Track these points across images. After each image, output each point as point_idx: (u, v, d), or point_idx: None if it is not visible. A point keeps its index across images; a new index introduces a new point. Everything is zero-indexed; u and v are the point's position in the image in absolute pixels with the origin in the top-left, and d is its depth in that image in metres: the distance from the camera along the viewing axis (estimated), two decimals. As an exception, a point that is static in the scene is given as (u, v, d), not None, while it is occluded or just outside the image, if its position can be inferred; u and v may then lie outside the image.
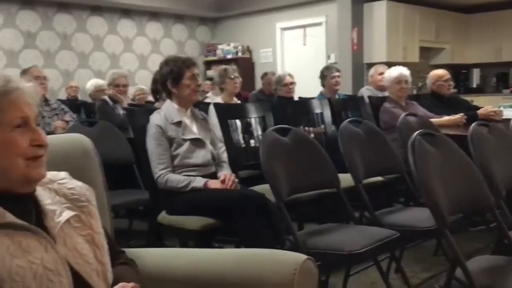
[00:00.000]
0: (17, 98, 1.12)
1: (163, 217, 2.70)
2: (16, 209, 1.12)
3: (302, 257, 1.37)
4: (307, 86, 6.55)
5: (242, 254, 1.45)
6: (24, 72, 4.23)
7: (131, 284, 1.08)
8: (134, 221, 4.00)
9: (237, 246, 3.07)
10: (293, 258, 1.37)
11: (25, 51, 7.58)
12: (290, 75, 4.94)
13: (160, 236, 2.92)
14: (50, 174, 1.24)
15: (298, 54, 8.91)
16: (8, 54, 7.42)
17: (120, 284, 1.08)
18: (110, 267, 1.25)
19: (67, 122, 4.32)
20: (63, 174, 1.30)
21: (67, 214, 1.21)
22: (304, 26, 8.77)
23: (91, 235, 1.24)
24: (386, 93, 4.91)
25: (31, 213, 1.17)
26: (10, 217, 1.10)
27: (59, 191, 1.25)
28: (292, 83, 4.89)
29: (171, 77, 2.78)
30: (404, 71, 4.18)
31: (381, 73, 5.38)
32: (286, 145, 2.45)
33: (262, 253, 1.43)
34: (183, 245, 2.78)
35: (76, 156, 1.52)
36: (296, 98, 5.13)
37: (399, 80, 4.13)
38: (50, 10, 7.81)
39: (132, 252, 1.48)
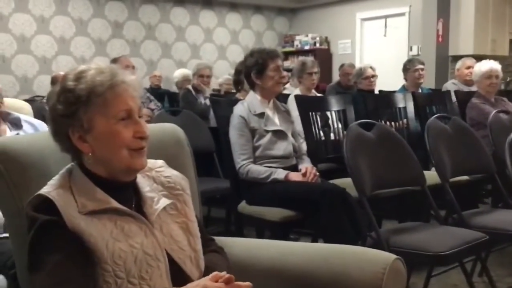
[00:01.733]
0: (122, 91, 1.17)
1: (243, 206, 2.74)
2: (118, 195, 1.19)
3: (392, 256, 1.35)
4: (387, 79, 6.38)
5: (330, 249, 1.44)
6: (114, 61, 4.43)
7: (224, 273, 1.11)
8: (212, 208, 4.09)
9: (314, 239, 3.07)
10: (382, 257, 1.35)
11: (113, 41, 7.94)
12: (371, 67, 4.82)
13: (240, 226, 2.97)
14: (149, 162, 1.29)
15: (378, 45, 8.70)
16: (97, 43, 7.81)
17: (214, 273, 1.11)
18: (202, 254, 1.29)
19: (152, 110, 4.49)
20: (160, 162, 1.36)
21: (164, 201, 1.26)
22: (385, 17, 8.54)
23: (185, 222, 1.28)
24: (473, 88, 4.70)
25: (132, 200, 1.23)
26: (114, 203, 1.17)
27: (157, 179, 1.31)
28: (374, 76, 4.78)
29: (256, 69, 2.80)
30: (495, 65, 3.98)
31: (469, 67, 5.15)
32: (370, 140, 2.41)
33: (350, 250, 1.42)
34: (260, 235, 2.82)
35: (170, 145, 1.57)
36: (376, 91, 5.02)
37: (489, 75, 3.93)
38: (136, 1, 8.12)
39: (220, 240, 1.52)
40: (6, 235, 1.71)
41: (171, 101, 5.62)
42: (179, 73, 6.37)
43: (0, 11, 7.01)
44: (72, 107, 1.14)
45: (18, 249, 1.28)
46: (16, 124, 2.03)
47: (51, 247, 1.07)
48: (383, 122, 3.64)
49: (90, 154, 1.17)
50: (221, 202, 3.94)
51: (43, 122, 2.14)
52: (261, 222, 2.63)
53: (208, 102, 4.70)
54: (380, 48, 8.63)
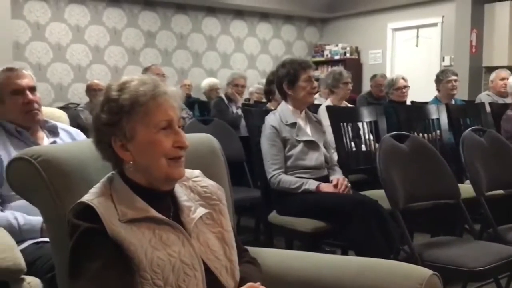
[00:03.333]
0: (163, 101, 1.20)
1: (274, 216, 2.74)
2: (157, 204, 1.21)
3: (428, 272, 1.33)
4: (418, 89, 6.30)
5: (364, 262, 1.43)
6: (146, 70, 4.51)
7: (258, 284, 1.12)
8: (241, 217, 4.10)
9: (344, 251, 3.04)
10: (418, 272, 1.34)
11: (145, 50, 8.06)
12: (403, 78, 4.78)
13: (270, 235, 2.97)
14: (186, 172, 1.30)
15: (410, 55, 8.61)
16: (130, 52, 7.94)
17: (248, 284, 1.12)
18: (237, 265, 1.30)
19: (183, 118, 4.53)
20: (197, 172, 1.38)
21: (201, 211, 1.28)
22: (417, 27, 8.45)
23: (221, 232, 1.30)
24: (507, 100, 4.60)
25: (170, 209, 1.25)
26: (152, 212, 1.19)
27: (194, 189, 1.32)
28: (406, 86, 4.73)
29: (287, 79, 2.81)
30: (531, 77, 3.89)
31: (503, 78, 5.05)
32: (403, 152, 2.38)
33: (385, 264, 1.41)
34: (289, 245, 2.81)
35: (205, 155, 1.59)
36: (407, 102, 4.96)
37: (525, 87, 3.85)
38: (169, 11, 8.25)
39: (252, 250, 1.52)
40: (43, 239, 1.77)
41: (202, 110, 5.68)
42: (206, 82, 6.47)
43: (37, 20, 7.21)
44: (115, 117, 1.17)
45: (58, 254, 1.31)
46: (53, 131, 2.07)
47: (92, 254, 1.10)
48: (415, 133, 3.60)
49: (131, 162, 1.19)
50: (251, 212, 3.95)
51: (79, 130, 2.19)
52: (291, 232, 2.63)
53: (240, 111, 4.74)
54: (411, 59, 8.54)
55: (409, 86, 4.82)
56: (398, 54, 8.85)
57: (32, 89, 2.00)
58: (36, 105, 1.98)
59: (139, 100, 1.17)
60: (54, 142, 2.02)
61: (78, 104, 6.08)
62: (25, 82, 1.98)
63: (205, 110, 5.44)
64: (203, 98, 6.59)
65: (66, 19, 7.42)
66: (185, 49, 8.42)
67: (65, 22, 7.42)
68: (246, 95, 6.52)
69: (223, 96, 4.88)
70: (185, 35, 8.41)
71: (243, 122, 4.75)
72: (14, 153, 1.84)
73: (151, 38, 8.09)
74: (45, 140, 2.02)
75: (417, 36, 8.52)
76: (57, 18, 7.35)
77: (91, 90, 5.44)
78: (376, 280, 1.33)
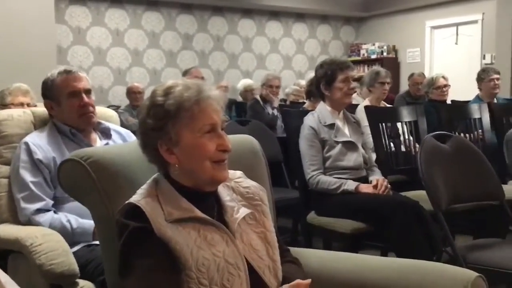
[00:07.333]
0: (207, 106, 1.22)
1: (313, 217, 2.74)
2: (201, 204, 1.24)
3: (473, 274, 1.31)
4: (458, 88, 6.17)
5: (408, 264, 1.42)
6: (186, 72, 4.58)
7: (309, 280, 1.13)
8: (279, 218, 4.11)
9: (383, 252, 3.01)
10: (463, 274, 1.32)
11: (183, 52, 8.18)
12: (444, 77, 4.68)
13: (309, 236, 2.97)
14: (228, 173, 1.32)
15: (449, 54, 8.43)
16: (168, 55, 8.07)
17: (296, 281, 1.14)
18: (280, 264, 1.31)
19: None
20: (239, 173, 1.40)
21: (244, 211, 1.30)
22: (456, 24, 8.27)
23: (264, 232, 1.31)
24: (553, 98, 4.46)
25: (214, 209, 1.27)
26: (197, 212, 1.22)
27: (236, 189, 1.35)
28: (446, 85, 4.63)
29: (325, 80, 2.80)
30: None
31: (548, 76, 4.89)
32: (445, 152, 2.34)
33: (429, 266, 1.39)
34: (327, 246, 2.80)
35: (247, 156, 1.61)
36: (448, 101, 4.86)
37: None
38: (205, 13, 8.34)
39: (293, 250, 1.53)
40: (95, 242, 1.80)
41: (238, 111, 5.72)
42: (241, 84, 6.54)
43: (78, 24, 7.42)
44: (161, 121, 1.20)
45: (107, 254, 1.35)
46: (106, 133, 2.08)
47: (141, 253, 1.13)
48: (457, 133, 3.54)
49: (176, 165, 1.22)
50: (288, 212, 3.96)
51: (129, 131, 2.20)
52: (330, 233, 2.62)
53: (275, 112, 4.75)
54: (451, 57, 8.37)
55: (449, 85, 4.72)
56: (437, 52, 8.68)
57: (88, 91, 2.01)
58: (91, 108, 2.00)
59: (184, 105, 1.20)
60: (107, 144, 2.04)
61: (118, 107, 6.22)
62: (82, 84, 2.00)
63: (242, 111, 5.48)
64: (240, 99, 6.63)
65: (106, 23, 7.60)
66: (221, 51, 8.50)
67: (105, 26, 7.60)
68: (281, 95, 6.53)
69: (258, 97, 4.91)
70: (221, 37, 8.48)
71: (279, 122, 4.76)
72: (68, 155, 1.89)
73: (188, 41, 8.20)
74: (98, 142, 2.04)
75: (457, 34, 8.34)
76: (97, 23, 7.54)
77: (131, 92, 5.56)
78: (421, 282, 1.32)
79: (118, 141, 2.09)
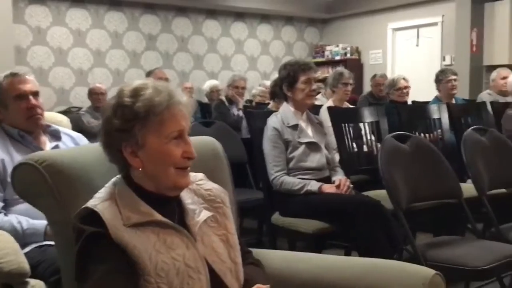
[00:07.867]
0: (177, 112, 1.21)
1: (277, 218, 2.75)
2: (163, 209, 1.22)
3: (431, 272, 1.34)
4: (419, 89, 6.30)
5: (368, 263, 1.44)
6: (149, 73, 4.52)
7: (267, 286, 1.13)
8: (244, 219, 4.11)
9: (347, 251, 3.05)
10: (421, 272, 1.35)
11: (146, 53, 8.08)
12: (404, 78, 4.78)
13: (273, 237, 2.97)
14: (190, 175, 1.31)
15: (410, 55, 8.62)
16: (131, 55, 7.96)
17: (256, 286, 1.13)
18: (242, 267, 1.31)
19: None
20: (200, 175, 1.39)
21: (205, 214, 1.29)
22: (417, 27, 8.46)
23: (225, 235, 1.31)
24: (509, 99, 4.61)
25: (175, 213, 1.26)
26: (157, 215, 1.20)
27: (197, 192, 1.33)
28: (406, 87, 4.74)
29: (287, 81, 2.82)
30: (533, 75, 3.89)
31: (504, 77, 5.05)
32: (405, 152, 2.39)
33: (389, 264, 1.42)
34: (292, 247, 2.82)
35: (209, 158, 1.60)
36: (408, 102, 4.97)
37: (526, 85, 3.85)
38: (169, 13, 8.26)
39: (256, 252, 1.53)
40: (47, 243, 1.78)
41: (203, 112, 5.69)
42: (207, 85, 6.53)
43: (38, 25, 7.23)
44: (129, 123, 1.17)
45: (64, 258, 1.32)
46: (55, 136, 2.09)
47: (97, 258, 1.11)
48: (417, 133, 3.61)
49: (140, 169, 1.20)
50: (253, 213, 3.96)
51: (81, 134, 2.21)
52: (294, 233, 2.64)
53: (241, 113, 4.75)
54: (412, 58, 8.55)
55: (410, 86, 4.82)
56: (398, 54, 8.85)
57: (35, 94, 2.03)
58: (39, 110, 2.01)
59: (154, 110, 1.17)
60: (57, 146, 2.04)
61: (80, 108, 6.10)
62: (28, 87, 2.01)
63: (207, 112, 5.46)
64: (205, 100, 6.61)
65: (67, 23, 7.44)
66: (186, 52, 8.44)
67: (66, 26, 7.43)
68: (247, 96, 6.54)
69: (223, 98, 4.90)
70: (185, 38, 8.43)
71: (244, 123, 4.76)
72: (17, 157, 1.86)
73: (152, 41, 8.11)
74: (47, 144, 2.04)
75: (418, 36, 8.53)
76: (58, 23, 7.37)
77: (93, 93, 5.45)
78: (380, 280, 1.34)
79: (69, 143, 2.09)
